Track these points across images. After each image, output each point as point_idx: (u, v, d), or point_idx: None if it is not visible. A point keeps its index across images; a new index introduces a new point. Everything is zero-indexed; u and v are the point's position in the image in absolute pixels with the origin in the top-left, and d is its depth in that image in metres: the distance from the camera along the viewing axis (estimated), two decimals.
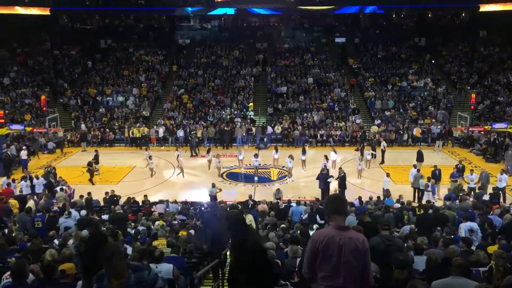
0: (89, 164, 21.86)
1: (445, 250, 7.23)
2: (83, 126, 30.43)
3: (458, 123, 29.91)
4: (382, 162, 24.79)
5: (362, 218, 8.03)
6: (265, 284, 4.37)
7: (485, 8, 36.88)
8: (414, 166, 19.92)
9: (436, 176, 19.15)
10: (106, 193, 17.58)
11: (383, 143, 25.43)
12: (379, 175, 22.77)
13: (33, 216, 13.58)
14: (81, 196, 16.93)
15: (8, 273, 6.42)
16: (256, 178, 22.27)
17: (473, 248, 8.22)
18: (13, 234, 11.19)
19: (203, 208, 15.83)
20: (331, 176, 19.36)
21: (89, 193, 16.95)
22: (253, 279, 4.13)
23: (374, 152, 24.88)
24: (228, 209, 16.12)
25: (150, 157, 22.72)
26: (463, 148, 28.12)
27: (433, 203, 15.39)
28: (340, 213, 3.94)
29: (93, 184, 21.16)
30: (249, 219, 14.21)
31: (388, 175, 19.34)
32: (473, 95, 31.16)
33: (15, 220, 14.52)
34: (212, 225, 9.05)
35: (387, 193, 17.81)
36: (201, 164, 24.66)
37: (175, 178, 22.84)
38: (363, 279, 3.79)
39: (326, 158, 21.61)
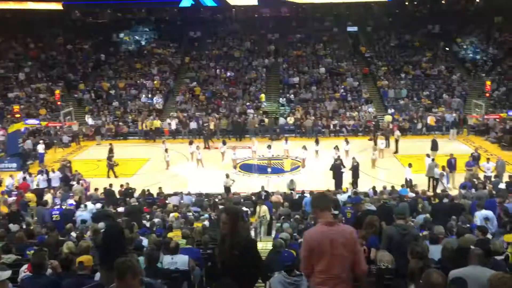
0: (109, 159, 21.96)
1: (459, 239, 7.19)
2: (89, 121, 30.58)
3: (473, 111, 29.53)
4: (396, 151, 24.61)
5: (358, 208, 7.99)
6: (251, 276, 4.58)
7: None
8: (428, 155, 19.73)
9: (451, 165, 18.96)
10: (121, 185, 17.77)
11: (397, 133, 25.21)
12: (393, 165, 22.68)
13: (50, 209, 13.79)
14: (96, 189, 17.15)
15: (26, 266, 6.52)
16: (269, 169, 22.28)
17: (489, 236, 8.16)
18: (31, 227, 11.37)
19: (217, 200, 15.91)
20: (345, 166, 19.29)
21: (110, 185, 17.29)
22: (241, 271, 4.33)
23: (378, 140, 24.53)
24: (242, 200, 16.24)
25: (166, 150, 22.88)
26: (479, 136, 27.76)
27: (447, 192, 15.28)
28: (327, 209, 4.28)
29: (110, 177, 21.25)
30: (263, 210, 14.28)
31: (410, 165, 19.10)
32: (488, 82, 30.71)
33: (33, 214, 14.77)
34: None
35: (410, 183, 17.71)
36: (215, 156, 24.74)
37: (189, 170, 22.95)
38: (356, 266, 4.14)
39: (337, 148, 21.50)
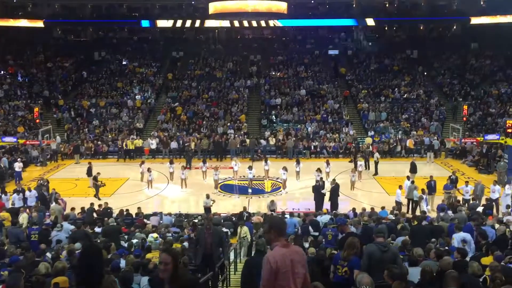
0: (95, 178, 21.30)
1: (439, 262, 7.24)
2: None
3: (450, 134, 30.07)
4: (376, 173, 24.84)
5: (343, 230, 7.93)
6: None
7: (476, 20, 37.34)
8: (408, 178, 19.94)
9: (431, 187, 19.14)
10: (99, 205, 17.50)
11: (376, 155, 25.46)
12: (372, 187, 22.89)
13: (29, 228, 13.48)
14: (73, 209, 16.86)
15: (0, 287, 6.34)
16: (250, 190, 22.23)
17: (467, 259, 8.24)
18: (5, 248, 11.09)
19: (196, 221, 15.77)
20: (325, 189, 19.31)
21: (92, 204, 17.01)
22: None
23: (358, 162, 24.62)
24: (222, 221, 16.12)
25: (149, 170, 22.57)
26: (456, 160, 28.22)
27: (426, 214, 15.40)
28: (284, 234, 4.70)
29: (99, 199, 20.70)
30: (244, 231, 14.21)
31: (400, 187, 18.90)
32: (465, 107, 31.41)
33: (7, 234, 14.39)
34: (202, 240, 8.88)
35: (400, 206, 17.75)
36: (195, 176, 24.62)
37: (169, 190, 22.77)
38: (305, 281, 4.57)
39: (319, 170, 21.56)
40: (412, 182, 19.09)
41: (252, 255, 7.71)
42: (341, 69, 38.95)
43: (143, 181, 23.32)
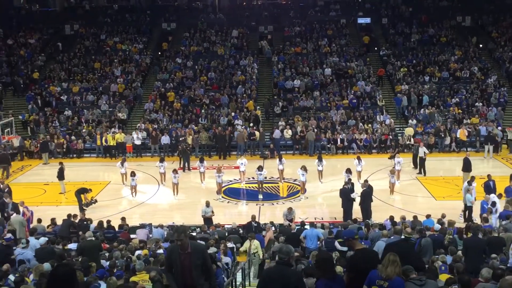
0: (81, 192, 20.65)
1: (499, 283, 7.15)
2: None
3: None
4: (420, 172, 24.59)
5: (352, 245, 7.61)
6: None
7: None
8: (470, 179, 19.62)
9: (490, 188, 18.90)
10: (74, 216, 17.57)
11: (423, 149, 25.01)
12: (415, 190, 22.70)
13: None
14: (39, 220, 16.93)
15: None
16: (260, 196, 22.23)
17: None
18: None
19: (194, 234, 15.81)
20: (355, 193, 19.21)
21: (69, 215, 17.05)
22: None
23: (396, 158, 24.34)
24: (226, 234, 16.12)
25: (133, 173, 22.45)
26: None
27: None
28: None
29: (82, 211, 20.50)
30: (255, 245, 14.22)
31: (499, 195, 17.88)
32: None
33: None
34: (177, 265, 8.16)
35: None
36: (191, 178, 24.66)
37: (160, 195, 22.85)
38: None
39: (349, 171, 21.40)
40: (469, 183, 18.81)
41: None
42: (363, 37, 38.68)
43: (125, 183, 23.52)
